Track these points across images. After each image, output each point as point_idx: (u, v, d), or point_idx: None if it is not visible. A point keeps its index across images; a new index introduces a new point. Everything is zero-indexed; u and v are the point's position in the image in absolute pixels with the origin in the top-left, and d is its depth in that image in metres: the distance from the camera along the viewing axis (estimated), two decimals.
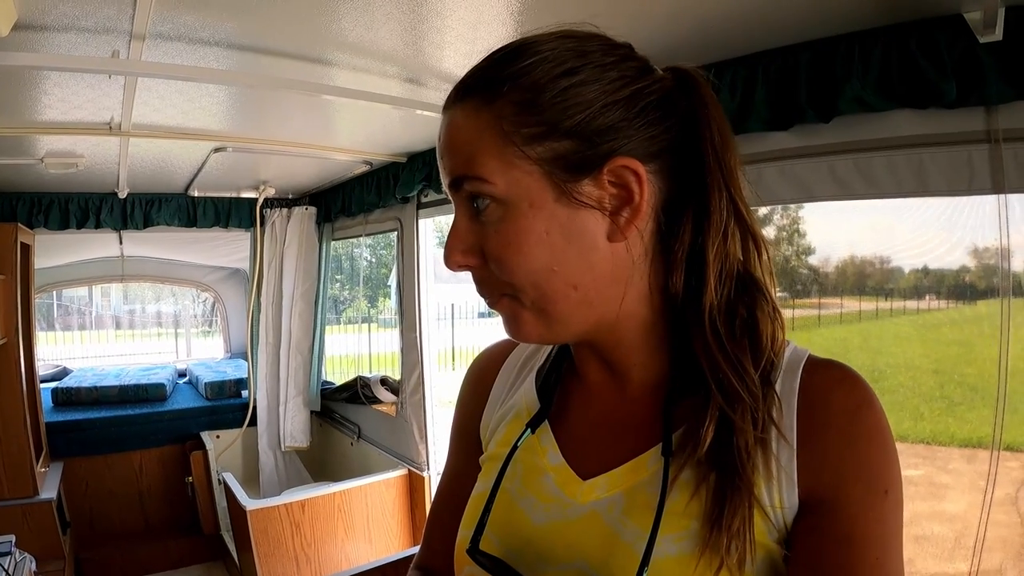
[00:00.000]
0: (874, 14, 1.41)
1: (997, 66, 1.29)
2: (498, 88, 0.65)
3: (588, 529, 0.70)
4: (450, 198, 0.71)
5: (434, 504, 0.96)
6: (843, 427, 0.64)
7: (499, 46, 0.69)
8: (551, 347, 0.87)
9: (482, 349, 1.01)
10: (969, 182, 1.42)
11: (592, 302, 0.69)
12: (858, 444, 0.63)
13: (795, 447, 0.64)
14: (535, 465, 0.78)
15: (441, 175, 0.70)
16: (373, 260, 11.77)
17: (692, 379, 0.69)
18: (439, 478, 0.98)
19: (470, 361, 0.99)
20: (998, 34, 1.25)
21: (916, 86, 1.38)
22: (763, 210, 2.13)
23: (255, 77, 1.94)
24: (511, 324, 0.72)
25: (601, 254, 0.67)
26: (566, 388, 0.82)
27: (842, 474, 0.63)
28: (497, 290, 0.70)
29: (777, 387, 0.67)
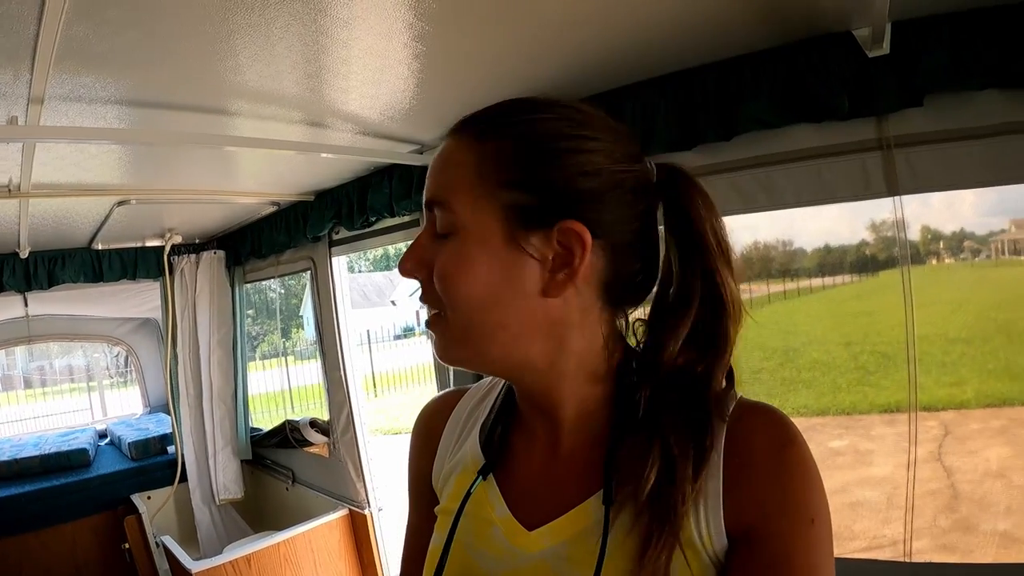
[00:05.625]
0: (768, 35, 1.48)
1: (886, 78, 1.37)
2: (491, 133, 0.73)
3: None
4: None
5: (402, 560, 0.97)
6: (767, 465, 0.68)
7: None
8: (495, 400, 0.90)
9: (428, 400, 1.01)
10: (866, 187, 1.52)
11: (517, 347, 0.73)
12: (782, 479, 0.68)
13: (721, 486, 0.68)
14: (484, 518, 0.80)
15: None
16: (282, 291, 11.52)
17: (631, 430, 0.72)
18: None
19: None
20: (886, 48, 1.34)
21: (810, 102, 1.46)
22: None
23: (156, 134, 1.89)
24: (436, 341, 0.77)
25: (532, 304, 0.72)
26: (511, 441, 0.85)
27: (768, 508, 0.67)
28: (434, 306, 0.75)
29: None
